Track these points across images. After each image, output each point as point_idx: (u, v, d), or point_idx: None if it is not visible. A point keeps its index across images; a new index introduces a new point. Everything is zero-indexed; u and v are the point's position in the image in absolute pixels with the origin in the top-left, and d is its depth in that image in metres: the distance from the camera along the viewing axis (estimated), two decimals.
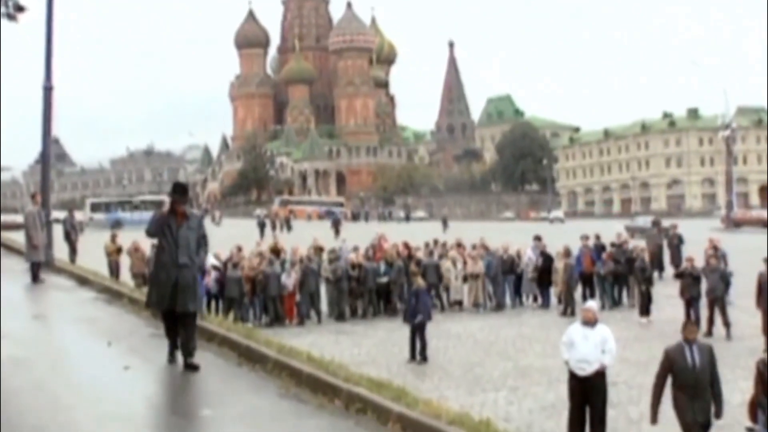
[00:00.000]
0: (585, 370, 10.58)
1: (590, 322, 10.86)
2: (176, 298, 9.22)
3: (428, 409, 7.15)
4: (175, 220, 9.37)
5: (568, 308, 22.81)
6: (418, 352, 17.01)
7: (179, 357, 9.50)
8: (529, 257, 25.32)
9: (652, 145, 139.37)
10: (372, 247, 26.18)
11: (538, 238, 26.37)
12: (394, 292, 23.64)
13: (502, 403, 13.50)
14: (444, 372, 15.97)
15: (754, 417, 10.52)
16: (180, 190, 9.62)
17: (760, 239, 40.88)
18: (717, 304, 19.18)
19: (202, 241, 9.62)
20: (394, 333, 20.52)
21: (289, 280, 22.02)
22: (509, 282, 24.88)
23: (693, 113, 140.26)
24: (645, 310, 21.46)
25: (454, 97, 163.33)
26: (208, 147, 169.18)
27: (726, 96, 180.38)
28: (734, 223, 65.06)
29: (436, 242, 27.23)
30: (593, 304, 11.89)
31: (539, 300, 24.85)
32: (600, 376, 10.68)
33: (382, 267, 23.77)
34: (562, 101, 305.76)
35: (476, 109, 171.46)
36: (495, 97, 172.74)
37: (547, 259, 24.68)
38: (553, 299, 24.29)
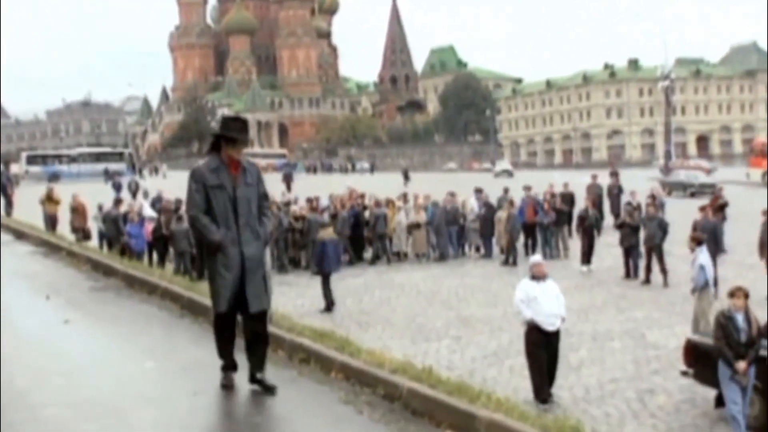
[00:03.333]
0: (554, 324, 10.66)
1: (542, 277, 10.90)
2: (244, 294, 6.61)
3: (371, 359, 7.18)
4: (229, 174, 6.62)
5: (510, 258, 23.04)
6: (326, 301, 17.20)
7: (232, 374, 7.04)
8: (471, 207, 25.44)
9: (594, 96, 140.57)
10: (329, 198, 25.97)
11: (479, 190, 26.48)
12: (339, 243, 23.60)
13: (444, 352, 13.64)
14: (387, 322, 16.05)
15: (688, 361, 10.77)
16: (237, 127, 6.76)
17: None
18: (655, 252, 19.51)
19: (264, 203, 6.95)
20: (337, 284, 20.54)
21: None
22: (452, 232, 24.98)
23: (633, 64, 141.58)
24: (586, 258, 21.77)
25: (397, 48, 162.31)
26: (148, 98, 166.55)
27: (665, 47, 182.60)
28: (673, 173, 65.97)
29: (405, 196, 27.11)
30: (540, 257, 11.80)
31: (482, 250, 25.03)
32: (558, 328, 10.81)
33: (326, 219, 23.69)
34: (505, 52, 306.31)
35: (419, 60, 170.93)
36: (438, 48, 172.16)
37: (489, 210, 24.82)
38: (496, 249, 24.49)
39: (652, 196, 24.32)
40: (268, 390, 6.66)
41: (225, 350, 6.91)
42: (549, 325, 10.61)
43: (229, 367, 6.95)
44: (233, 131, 6.68)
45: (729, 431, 9.52)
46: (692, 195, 43.92)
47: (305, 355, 7.55)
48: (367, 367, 6.96)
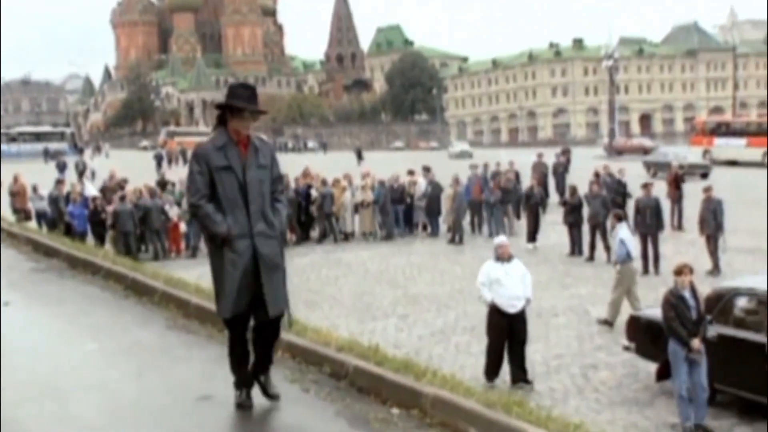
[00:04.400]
0: (516, 306, 10.49)
1: (507, 258, 10.75)
2: (259, 295, 5.63)
3: (317, 337, 7.17)
4: (237, 153, 5.66)
5: (456, 236, 23.16)
6: None
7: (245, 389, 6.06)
8: (420, 186, 25.50)
9: (539, 74, 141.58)
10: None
11: (427, 168, 26.54)
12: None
13: (391, 330, 13.68)
14: (334, 301, 16.05)
15: (630, 336, 10.94)
16: (245, 95, 5.77)
17: (640, 166, 42.29)
18: (598, 230, 19.76)
19: (279, 188, 5.94)
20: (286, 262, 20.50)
21: (173, 211, 21.72)
22: (399, 211, 25.04)
23: (578, 43, 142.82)
24: (532, 236, 21.97)
25: (343, 27, 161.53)
26: (90, 77, 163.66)
27: (610, 27, 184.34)
28: (616, 151, 66.91)
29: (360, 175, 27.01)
30: (505, 238, 11.63)
31: (429, 229, 25.13)
32: (523, 309, 10.64)
33: None
34: (451, 31, 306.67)
35: (366, 39, 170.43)
36: (384, 26, 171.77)
37: (435, 188, 24.91)
38: (443, 227, 24.61)
39: (596, 174, 24.58)
40: (269, 396, 5.93)
41: (236, 364, 5.91)
42: (510, 307, 10.44)
43: (243, 383, 5.92)
44: (240, 99, 5.69)
45: (669, 404, 9.72)
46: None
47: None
48: (313, 345, 6.95)
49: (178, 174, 32.96)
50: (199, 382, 6.52)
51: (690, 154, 45.25)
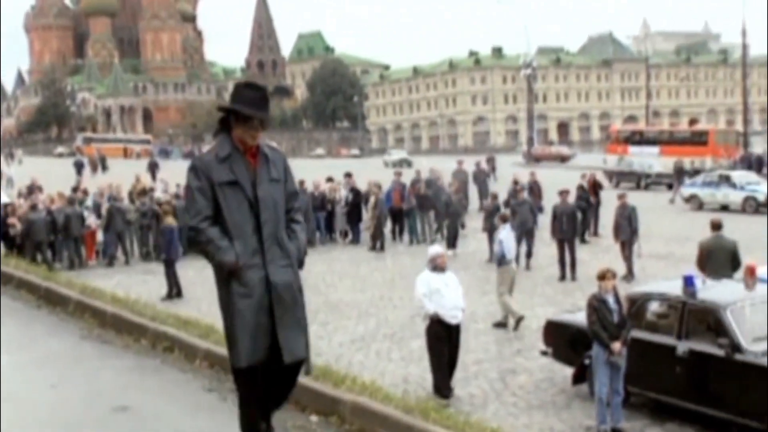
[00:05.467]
0: (457, 317, 10.33)
1: (443, 268, 10.58)
2: (277, 338, 4.70)
3: None
4: (245, 166, 4.77)
5: (378, 243, 23.24)
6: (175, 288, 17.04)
7: None
8: (341, 193, 25.54)
9: (459, 82, 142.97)
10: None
11: (348, 175, 26.60)
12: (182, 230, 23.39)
13: (312, 338, 13.46)
14: None
15: (548, 341, 11.12)
16: (253, 98, 4.81)
17: (558, 173, 43.08)
18: (525, 237, 19.76)
19: (295, 205, 5.02)
20: (204, 271, 20.27)
21: (91, 219, 21.33)
22: (320, 218, 25.01)
23: (497, 52, 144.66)
24: (451, 242, 22.17)
25: (264, 33, 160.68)
26: (1, 81, 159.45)
27: (528, 36, 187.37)
28: (534, 158, 68.07)
29: None
30: (440, 249, 11.49)
31: (350, 236, 25.16)
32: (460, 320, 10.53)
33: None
34: (372, 39, 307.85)
35: (287, 46, 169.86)
36: (305, 33, 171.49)
37: (356, 195, 24.96)
38: (364, 235, 24.66)
39: (514, 182, 24.97)
40: None
41: (248, 416, 4.91)
42: (452, 318, 10.24)
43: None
44: (248, 105, 4.72)
45: (584, 407, 9.92)
46: (646, 187, 42.59)
47: (169, 343, 7.41)
48: None
49: (98, 182, 32.44)
50: (114, 393, 6.41)
51: (656, 164, 45.55)
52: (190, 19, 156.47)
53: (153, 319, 8.12)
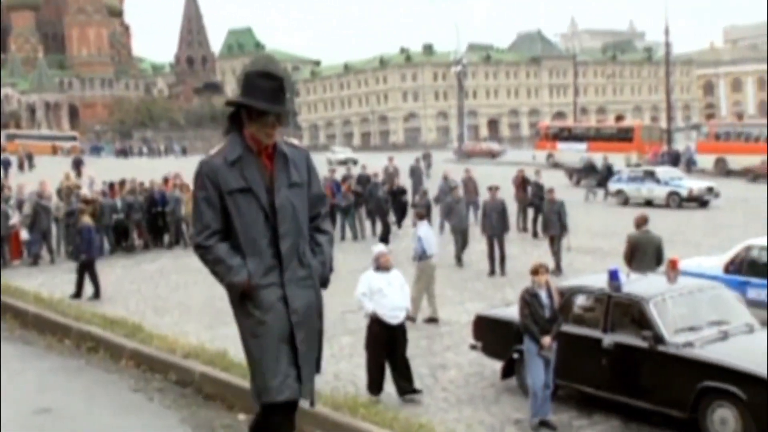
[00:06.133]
0: (398, 317, 10.20)
1: (388, 268, 10.46)
2: (300, 371, 4.12)
3: (163, 344, 7.03)
4: (260, 169, 4.14)
5: None
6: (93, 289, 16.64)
7: None
8: None
9: (390, 79, 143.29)
10: (119, 184, 25.16)
11: None
12: (132, 228, 23.05)
13: None
14: (185, 307, 15.77)
15: (477, 335, 11.22)
16: (270, 92, 4.12)
17: (488, 169, 43.47)
18: (463, 234, 19.81)
19: (322, 210, 4.39)
20: (131, 270, 20.04)
21: (15, 217, 20.86)
22: None
23: (428, 49, 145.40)
24: (383, 239, 22.21)
25: (193, 29, 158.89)
26: None
27: (458, 33, 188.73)
28: (465, 155, 68.59)
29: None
30: (384, 248, 11.38)
31: None
32: (404, 320, 10.38)
33: (119, 203, 22.98)
34: (303, 35, 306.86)
35: (217, 42, 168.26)
36: (235, 29, 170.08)
37: None
38: None
39: (445, 178, 25.13)
40: None
41: None
42: (392, 318, 10.10)
43: None
44: (262, 98, 4.07)
45: (513, 400, 10.05)
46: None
47: (94, 343, 7.28)
48: (158, 353, 6.81)
49: (25, 179, 31.71)
50: (36, 395, 6.27)
51: (629, 160, 45.76)
52: (117, 13, 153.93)
53: (77, 318, 7.98)
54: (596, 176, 35.84)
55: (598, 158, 39.62)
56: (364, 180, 26.77)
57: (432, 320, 14.12)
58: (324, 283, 4.24)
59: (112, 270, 19.81)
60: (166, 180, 26.51)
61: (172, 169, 33.84)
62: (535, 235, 23.12)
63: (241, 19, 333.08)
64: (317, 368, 4.23)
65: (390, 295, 10.11)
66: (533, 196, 23.54)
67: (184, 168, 41.27)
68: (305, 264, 4.15)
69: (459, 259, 19.60)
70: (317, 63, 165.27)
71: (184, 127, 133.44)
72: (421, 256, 14.41)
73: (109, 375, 6.67)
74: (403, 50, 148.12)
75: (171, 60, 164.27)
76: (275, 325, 4.03)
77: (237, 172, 4.06)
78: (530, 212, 24.37)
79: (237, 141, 4.12)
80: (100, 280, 17.14)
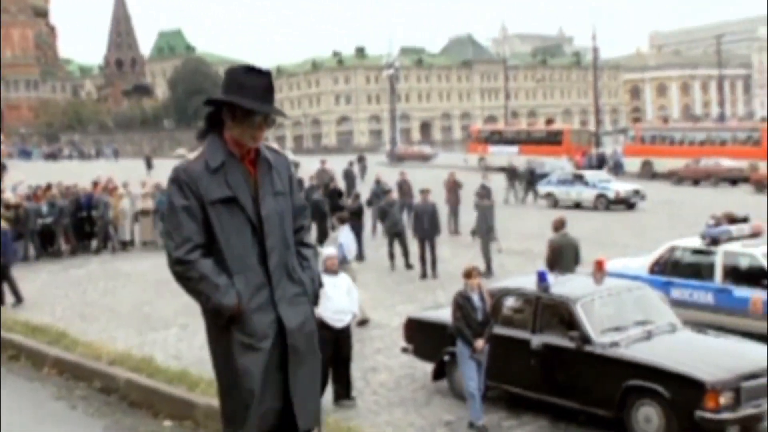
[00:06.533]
0: (343, 321, 10.13)
1: (335, 271, 10.41)
2: (290, 399, 3.74)
3: (88, 351, 6.91)
4: (243, 173, 3.77)
5: None
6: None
7: None
8: None
9: (323, 82, 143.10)
10: (43, 188, 24.68)
11: None
12: (58, 233, 22.60)
13: (172, 341, 13.39)
14: (112, 313, 15.52)
15: (408, 338, 11.25)
16: (259, 89, 3.75)
17: (421, 172, 43.67)
18: (397, 238, 19.80)
19: (305, 223, 4.05)
20: (58, 275, 19.65)
21: None
22: None
23: (360, 52, 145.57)
24: (319, 243, 22.15)
25: (122, 31, 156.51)
26: None
27: (390, 36, 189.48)
28: (398, 158, 68.80)
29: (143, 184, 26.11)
30: (333, 251, 11.34)
31: None
32: (349, 324, 10.32)
33: (44, 208, 22.52)
34: (235, 37, 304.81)
35: (147, 44, 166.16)
36: (166, 31, 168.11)
37: None
38: None
39: (377, 181, 25.18)
40: None
41: None
42: (337, 322, 10.01)
43: None
44: (249, 95, 3.70)
45: (444, 402, 10.10)
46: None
47: (15, 351, 7.11)
48: (82, 360, 6.69)
49: None
50: None
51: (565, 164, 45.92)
52: (43, 14, 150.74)
53: None
54: (521, 179, 36.22)
55: (544, 162, 40.33)
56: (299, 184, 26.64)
57: (362, 322, 14.10)
58: (315, 299, 3.91)
59: (37, 276, 19.41)
60: (95, 183, 26.04)
61: (103, 173, 33.34)
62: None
63: (172, 22, 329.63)
64: (321, 390, 3.87)
65: (335, 299, 10.01)
66: (478, 197, 23.74)
67: (117, 172, 40.88)
68: (296, 280, 3.78)
69: (399, 262, 19.63)
70: None
71: (113, 130, 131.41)
72: (341, 261, 14.34)
73: (31, 383, 6.53)
74: (335, 53, 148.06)
75: (99, 62, 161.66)
76: (266, 353, 3.62)
77: (220, 179, 3.66)
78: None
79: (218, 145, 3.73)
80: (26, 286, 16.78)
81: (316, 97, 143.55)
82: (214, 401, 5.67)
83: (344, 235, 14.87)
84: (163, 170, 45.61)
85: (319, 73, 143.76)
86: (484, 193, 24.45)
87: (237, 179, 3.68)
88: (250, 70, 3.76)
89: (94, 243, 23.30)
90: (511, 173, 36.42)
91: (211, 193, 3.64)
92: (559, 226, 14.10)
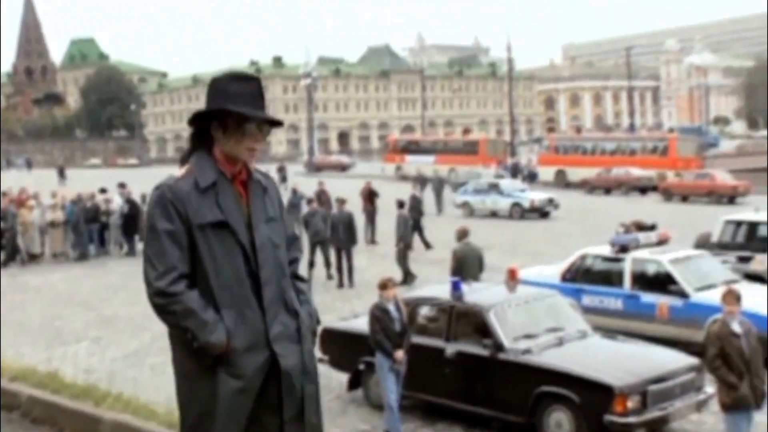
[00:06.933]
0: None
1: None
2: None
3: None
4: (235, 195, 3.41)
5: None
6: None
7: None
8: (117, 204, 24.74)
9: None
10: None
11: (122, 185, 25.79)
12: None
13: (83, 355, 13.11)
14: (21, 327, 15.10)
15: (324, 348, 11.21)
16: (249, 95, 3.43)
17: (339, 182, 43.67)
18: (320, 246, 19.57)
19: (297, 254, 3.72)
20: None
21: None
22: (93, 230, 24.10)
23: (278, 61, 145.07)
24: None
25: (32, 38, 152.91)
26: None
27: (307, 46, 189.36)
28: (315, 168, 68.75)
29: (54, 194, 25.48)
30: None
31: (125, 248, 24.40)
32: None
33: None
34: (149, 46, 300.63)
35: (58, 52, 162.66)
36: (78, 39, 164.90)
37: (133, 206, 24.25)
38: (140, 246, 24.00)
39: (294, 191, 25.10)
40: None
41: None
42: None
43: None
44: (241, 101, 3.36)
45: (359, 412, 10.10)
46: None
47: None
48: None
49: None
50: None
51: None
52: None
53: None
54: (437, 189, 36.52)
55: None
56: None
57: None
58: (314, 333, 3.54)
59: None
60: (5, 194, 25.32)
61: (14, 183, 32.47)
62: (426, 246, 23.54)
63: (84, 29, 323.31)
64: None
65: None
66: (411, 210, 23.96)
67: (30, 182, 39.89)
68: (292, 313, 3.39)
69: (318, 272, 19.53)
70: (164, 75, 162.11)
71: (23, 140, 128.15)
72: None
73: None
74: (252, 62, 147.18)
75: (8, 70, 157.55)
76: (255, 395, 3.24)
77: (210, 201, 3.28)
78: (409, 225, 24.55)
79: (208, 163, 3.33)
80: None
81: None
82: (121, 416, 5.58)
83: None
84: (77, 181, 44.78)
85: None
86: (414, 203, 24.68)
87: (229, 201, 3.31)
88: (236, 77, 3.45)
89: (2, 255, 22.64)
90: (421, 182, 36.59)
91: (201, 216, 3.26)
92: (462, 235, 14.31)
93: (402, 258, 18.94)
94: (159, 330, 13.77)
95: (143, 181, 37.03)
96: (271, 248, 3.35)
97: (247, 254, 3.28)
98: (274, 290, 3.32)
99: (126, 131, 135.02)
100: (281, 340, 3.28)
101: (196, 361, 3.22)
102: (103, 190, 25.68)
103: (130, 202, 24.56)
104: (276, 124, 3.50)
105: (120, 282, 19.64)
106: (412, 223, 23.71)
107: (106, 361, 12.77)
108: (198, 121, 3.40)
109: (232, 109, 3.29)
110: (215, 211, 3.26)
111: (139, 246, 23.91)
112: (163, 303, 3.23)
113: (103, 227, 24.38)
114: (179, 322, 3.22)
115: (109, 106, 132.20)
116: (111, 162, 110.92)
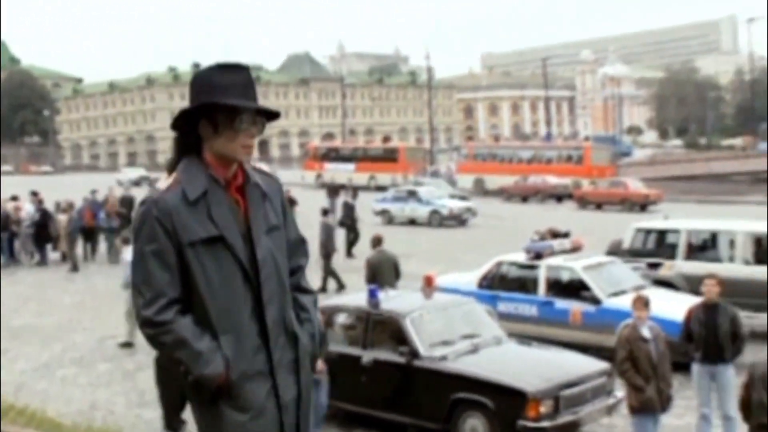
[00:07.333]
0: None
1: None
2: None
3: None
4: (230, 204, 2.96)
5: (71, 263, 22.25)
6: None
7: None
8: (27, 212, 24.14)
9: (158, 98, 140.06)
10: None
11: (34, 193, 25.19)
12: None
13: None
14: None
15: None
16: (240, 85, 2.97)
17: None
18: None
19: (303, 261, 3.23)
20: None
21: None
22: (3, 239, 23.47)
23: (196, 68, 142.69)
24: None
25: None
26: None
27: (226, 52, 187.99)
28: None
29: None
30: None
31: (36, 257, 23.82)
32: None
33: None
34: (64, 51, 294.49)
35: None
36: None
37: (45, 215, 23.69)
38: (54, 255, 23.54)
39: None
40: None
41: None
42: None
43: None
44: (232, 93, 2.94)
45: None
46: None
47: None
48: None
49: None
50: None
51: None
52: None
53: None
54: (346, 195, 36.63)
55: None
56: (127, 202, 25.77)
57: (127, 345, 13.47)
58: (314, 358, 3.14)
59: None
60: None
61: None
62: (349, 254, 23.60)
63: None
64: None
65: None
66: (345, 217, 23.93)
67: None
68: (291, 338, 3.02)
69: None
70: (79, 80, 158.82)
71: None
72: (128, 284, 13.86)
73: None
74: (171, 69, 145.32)
75: None
76: (261, 429, 2.91)
77: (202, 214, 2.88)
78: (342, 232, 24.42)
79: (197, 169, 2.94)
80: None
81: (150, 113, 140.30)
82: (26, 430, 5.43)
83: (129, 255, 14.29)
84: None
85: (154, 89, 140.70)
86: (347, 210, 24.67)
87: (223, 213, 2.91)
88: (224, 67, 2.99)
89: None
90: (332, 191, 36.47)
91: (191, 232, 2.86)
92: (376, 243, 14.41)
93: (327, 266, 18.95)
94: (71, 341, 13.53)
95: (56, 189, 36.25)
96: (273, 264, 2.97)
97: (246, 272, 2.91)
98: (276, 311, 2.97)
99: (39, 137, 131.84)
100: (283, 369, 2.96)
101: (196, 393, 2.91)
102: (14, 198, 25.02)
103: (41, 210, 23.96)
104: (273, 116, 3.04)
105: (30, 292, 19.18)
106: (345, 229, 23.80)
107: (14, 372, 12.41)
108: (183, 121, 3.01)
109: (222, 103, 2.90)
110: (208, 226, 2.87)
111: (51, 255, 23.41)
112: (152, 333, 2.88)
113: (12, 236, 23.74)
114: (171, 353, 2.89)
115: (22, 111, 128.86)
116: (23, 169, 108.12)
